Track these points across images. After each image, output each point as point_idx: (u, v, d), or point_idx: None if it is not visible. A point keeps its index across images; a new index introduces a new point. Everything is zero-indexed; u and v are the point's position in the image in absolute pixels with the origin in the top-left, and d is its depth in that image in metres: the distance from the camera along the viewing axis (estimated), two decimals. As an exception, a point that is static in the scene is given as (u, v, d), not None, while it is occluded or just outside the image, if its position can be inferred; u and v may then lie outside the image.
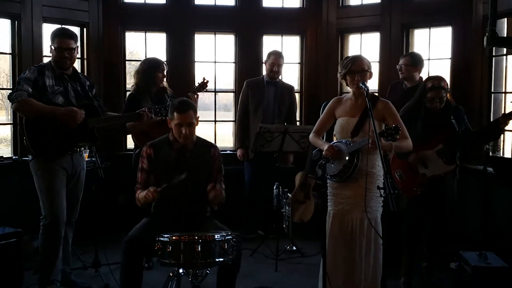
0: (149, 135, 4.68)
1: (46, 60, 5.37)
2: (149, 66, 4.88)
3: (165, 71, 4.94)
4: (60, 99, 3.93)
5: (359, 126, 3.60)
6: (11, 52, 5.40)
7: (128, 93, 6.27)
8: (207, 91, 5.14)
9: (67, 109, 3.87)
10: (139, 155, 4.90)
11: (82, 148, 4.16)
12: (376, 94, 4.15)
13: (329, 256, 3.46)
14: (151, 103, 4.77)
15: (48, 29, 5.60)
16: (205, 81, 4.88)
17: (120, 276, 3.40)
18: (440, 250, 4.50)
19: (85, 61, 5.92)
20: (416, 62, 4.97)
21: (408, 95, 4.47)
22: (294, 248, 5.31)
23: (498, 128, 4.11)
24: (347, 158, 3.49)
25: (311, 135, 3.86)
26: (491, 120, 5.16)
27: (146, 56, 6.27)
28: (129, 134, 4.88)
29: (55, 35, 3.97)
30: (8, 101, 4.68)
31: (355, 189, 3.54)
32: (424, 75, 5.07)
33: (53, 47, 3.95)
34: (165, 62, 5.02)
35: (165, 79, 4.99)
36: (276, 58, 5.67)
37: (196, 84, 4.96)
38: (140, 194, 3.50)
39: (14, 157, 5.27)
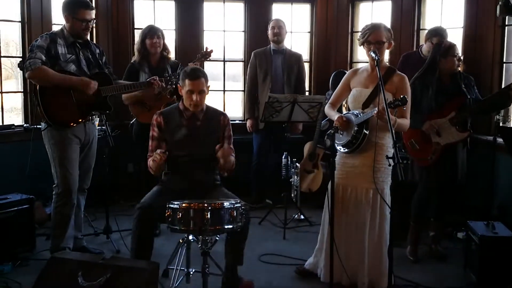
0: (145, 104, 4.69)
1: (55, 27, 5.38)
2: (140, 35, 4.88)
3: (156, 38, 4.78)
4: (73, 67, 3.93)
5: (371, 98, 3.57)
6: (20, 20, 5.35)
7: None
8: (212, 60, 5.07)
9: (80, 79, 3.89)
10: (135, 126, 4.93)
11: (95, 117, 4.17)
12: (388, 64, 4.07)
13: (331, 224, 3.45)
14: (148, 72, 4.75)
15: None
16: (208, 50, 4.76)
17: (132, 242, 3.43)
18: (447, 220, 4.53)
19: (94, 29, 5.89)
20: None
21: None
22: (302, 217, 5.35)
23: (509, 94, 4.06)
24: (356, 129, 3.50)
25: (326, 106, 3.87)
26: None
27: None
28: (124, 103, 4.83)
29: (79, 6, 3.91)
30: (19, 69, 4.69)
31: (363, 159, 3.55)
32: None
33: (74, 18, 3.89)
34: (159, 29, 4.87)
35: (164, 47, 4.88)
36: (275, 21, 5.71)
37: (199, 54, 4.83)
38: (150, 161, 3.49)
39: (25, 125, 5.29)
